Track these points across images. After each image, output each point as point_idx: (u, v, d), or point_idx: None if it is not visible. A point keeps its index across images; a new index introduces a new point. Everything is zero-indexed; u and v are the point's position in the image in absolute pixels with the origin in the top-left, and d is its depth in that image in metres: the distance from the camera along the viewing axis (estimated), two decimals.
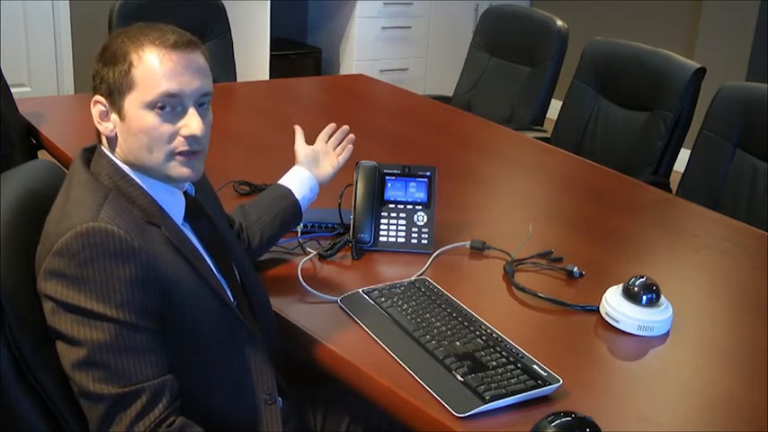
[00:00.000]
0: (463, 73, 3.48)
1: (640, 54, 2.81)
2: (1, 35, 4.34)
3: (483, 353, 1.33)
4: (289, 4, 5.08)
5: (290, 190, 1.64)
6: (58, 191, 1.26)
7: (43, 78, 4.59)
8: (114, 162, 1.25)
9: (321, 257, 1.68)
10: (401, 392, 1.27)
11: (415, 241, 1.74)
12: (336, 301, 1.51)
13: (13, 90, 2.46)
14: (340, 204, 1.76)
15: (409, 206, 1.77)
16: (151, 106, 1.20)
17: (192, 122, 1.22)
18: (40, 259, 1.17)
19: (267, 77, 4.63)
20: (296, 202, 1.64)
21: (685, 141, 2.64)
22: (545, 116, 3.20)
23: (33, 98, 3.75)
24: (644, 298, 1.47)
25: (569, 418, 1.11)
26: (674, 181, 2.58)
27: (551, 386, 1.26)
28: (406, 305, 1.48)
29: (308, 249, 1.70)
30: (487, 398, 1.22)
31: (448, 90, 3.58)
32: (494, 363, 1.30)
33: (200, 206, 1.33)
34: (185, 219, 1.30)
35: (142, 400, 1.13)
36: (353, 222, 1.72)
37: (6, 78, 2.41)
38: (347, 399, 1.54)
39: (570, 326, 1.51)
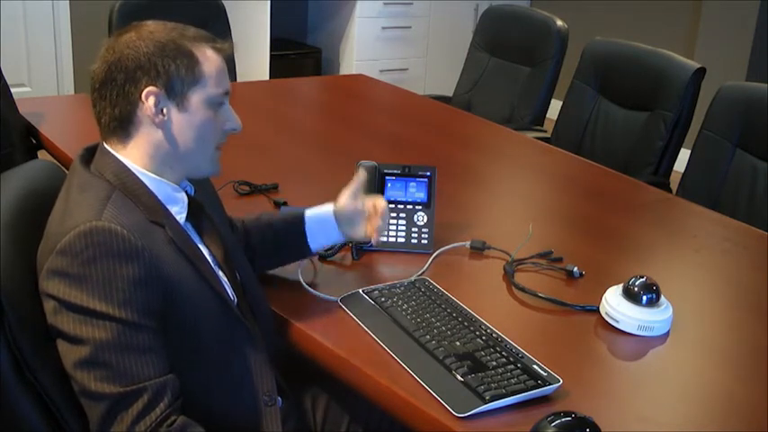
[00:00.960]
0: (463, 73, 3.48)
1: (640, 54, 2.81)
2: (1, 35, 4.34)
3: (483, 353, 1.33)
4: (289, 4, 5.09)
5: (306, 235, 1.56)
6: (58, 191, 1.26)
7: (43, 78, 4.59)
8: (119, 160, 1.25)
9: (321, 257, 1.68)
10: (401, 392, 1.27)
11: (415, 241, 1.75)
12: (336, 301, 1.51)
13: (13, 90, 2.46)
14: None
15: (409, 206, 1.77)
16: (215, 102, 1.27)
17: (237, 117, 1.32)
18: (42, 259, 1.18)
19: (267, 77, 4.63)
20: (306, 243, 1.57)
21: (685, 141, 2.64)
22: (545, 116, 3.20)
23: (33, 98, 3.75)
24: (644, 298, 1.47)
25: (569, 418, 1.11)
26: (674, 181, 2.58)
27: (551, 386, 1.26)
28: (406, 305, 1.48)
29: None
30: (487, 398, 1.22)
31: (448, 90, 3.58)
32: (494, 363, 1.30)
33: (201, 206, 1.34)
34: (187, 219, 1.31)
35: (143, 400, 1.13)
36: None
37: (6, 78, 2.41)
38: (347, 399, 1.54)
39: (570, 326, 1.51)
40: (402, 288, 1.54)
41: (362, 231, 1.57)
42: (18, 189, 1.30)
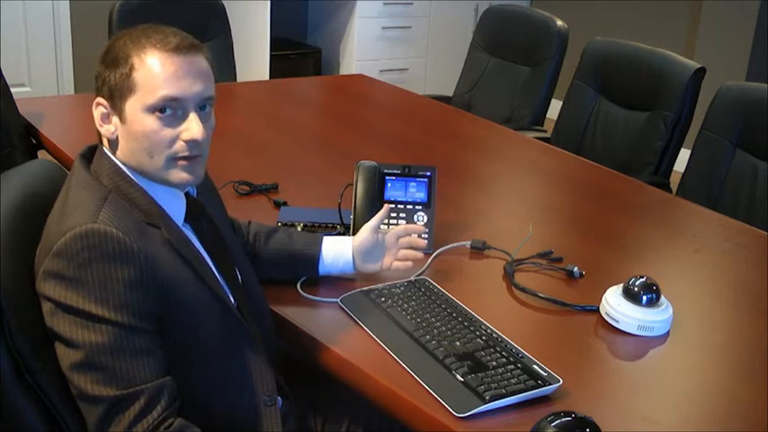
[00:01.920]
0: (463, 73, 3.48)
1: (640, 54, 2.81)
2: (1, 35, 4.35)
3: (483, 353, 1.33)
4: (289, 4, 5.09)
5: (317, 257, 1.56)
6: (58, 191, 1.26)
7: (43, 78, 4.59)
8: (115, 163, 1.25)
9: None
10: (401, 392, 1.27)
11: None
12: (337, 302, 1.51)
13: (13, 90, 2.46)
14: (340, 204, 1.76)
15: (409, 206, 1.76)
16: (152, 110, 1.20)
17: (193, 127, 1.21)
18: (39, 259, 1.17)
19: (267, 77, 4.63)
20: (316, 270, 1.57)
21: (685, 141, 2.64)
22: (545, 116, 3.20)
23: (33, 98, 3.74)
24: (644, 298, 1.47)
25: (569, 418, 1.11)
26: (674, 181, 2.58)
27: (551, 386, 1.26)
28: (406, 305, 1.48)
29: None
30: (487, 398, 1.22)
31: (448, 90, 3.58)
32: (494, 363, 1.30)
33: (202, 207, 1.33)
34: (186, 219, 1.30)
35: (140, 402, 1.13)
36: (353, 222, 1.72)
37: (6, 78, 2.41)
38: (347, 399, 1.54)
39: (570, 326, 1.51)
40: (402, 288, 1.54)
41: (379, 265, 1.58)
42: (18, 189, 1.30)
